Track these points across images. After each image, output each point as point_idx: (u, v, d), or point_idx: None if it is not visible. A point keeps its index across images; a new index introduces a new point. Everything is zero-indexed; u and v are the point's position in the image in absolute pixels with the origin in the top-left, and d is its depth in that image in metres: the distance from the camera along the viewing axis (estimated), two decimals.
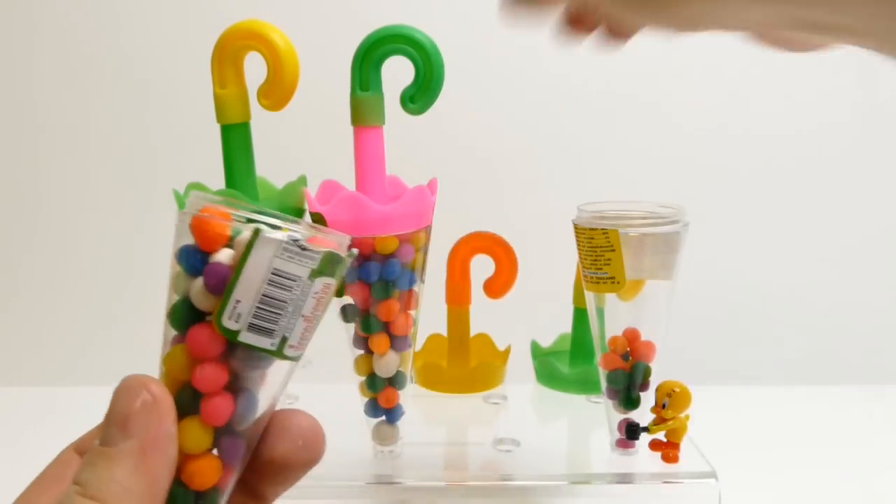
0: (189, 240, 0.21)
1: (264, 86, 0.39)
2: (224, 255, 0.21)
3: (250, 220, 0.21)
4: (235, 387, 0.22)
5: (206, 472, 0.22)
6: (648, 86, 0.74)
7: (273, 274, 0.21)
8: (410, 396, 0.44)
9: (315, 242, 0.21)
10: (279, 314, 0.21)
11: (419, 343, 0.53)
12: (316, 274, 0.21)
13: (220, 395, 0.21)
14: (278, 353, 0.21)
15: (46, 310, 0.77)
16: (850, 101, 0.75)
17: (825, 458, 0.55)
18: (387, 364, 0.41)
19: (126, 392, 0.21)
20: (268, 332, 0.21)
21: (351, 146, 0.41)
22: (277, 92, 0.39)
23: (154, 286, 0.75)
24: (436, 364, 0.53)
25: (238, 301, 0.21)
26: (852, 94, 0.75)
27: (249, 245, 0.20)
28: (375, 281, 0.40)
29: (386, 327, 0.41)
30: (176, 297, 0.22)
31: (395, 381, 0.42)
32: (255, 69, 0.40)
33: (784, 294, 0.76)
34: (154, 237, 0.75)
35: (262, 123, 0.42)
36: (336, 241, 0.22)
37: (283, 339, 0.21)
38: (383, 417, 0.43)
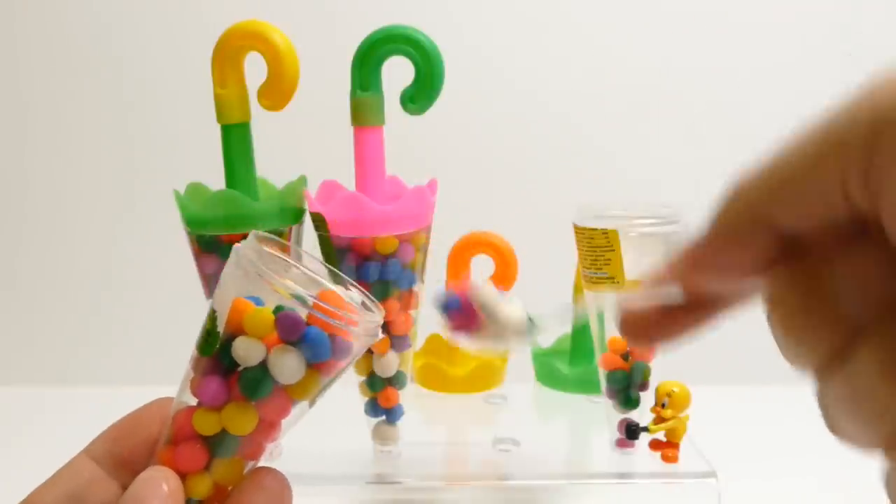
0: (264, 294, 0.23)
1: (264, 86, 0.39)
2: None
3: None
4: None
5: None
6: (649, 86, 0.74)
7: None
8: (410, 396, 0.44)
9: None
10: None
11: (419, 343, 0.53)
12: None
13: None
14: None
15: (44, 309, 0.77)
16: None
17: (825, 457, 0.55)
18: (387, 364, 0.41)
19: (146, 481, 0.22)
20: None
21: (351, 146, 0.41)
22: (277, 92, 0.39)
23: (152, 286, 0.75)
24: (436, 364, 0.53)
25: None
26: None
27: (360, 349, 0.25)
28: (375, 281, 0.40)
29: (386, 327, 0.41)
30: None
31: (395, 381, 0.42)
32: (255, 69, 0.40)
33: None
34: (154, 237, 0.76)
35: (262, 123, 0.42)
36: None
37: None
38: (383, 417, 0.43)
